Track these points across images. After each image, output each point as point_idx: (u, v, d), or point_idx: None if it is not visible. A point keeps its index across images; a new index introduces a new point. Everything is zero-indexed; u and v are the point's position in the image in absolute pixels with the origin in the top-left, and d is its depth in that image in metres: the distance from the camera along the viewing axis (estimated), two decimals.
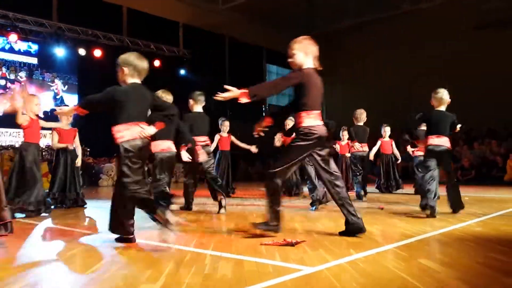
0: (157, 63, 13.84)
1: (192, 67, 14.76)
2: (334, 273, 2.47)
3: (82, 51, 12.33)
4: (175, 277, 2.47)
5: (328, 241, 3.45)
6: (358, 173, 7.45)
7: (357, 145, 7.44)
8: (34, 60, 12.38)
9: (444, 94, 5.17)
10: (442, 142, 5.05)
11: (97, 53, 12.50)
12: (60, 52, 12.13)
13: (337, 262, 2.72)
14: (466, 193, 8.59)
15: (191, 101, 5.65)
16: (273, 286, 2.26)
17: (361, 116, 7.68)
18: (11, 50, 11.89)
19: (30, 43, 12.19)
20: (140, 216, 5.24)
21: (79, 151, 6.30)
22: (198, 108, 5.62)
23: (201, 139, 5.51)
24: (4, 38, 11.44)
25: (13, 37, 11.18)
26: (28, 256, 3.14)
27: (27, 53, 12.24)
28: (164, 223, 3.11)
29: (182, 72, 14.68)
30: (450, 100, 5.16)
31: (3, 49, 11.75)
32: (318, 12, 16.90)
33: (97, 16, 13.09)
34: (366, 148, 7.62)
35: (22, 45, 12.06)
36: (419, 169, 5.48)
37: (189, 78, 14.53)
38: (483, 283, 2.33)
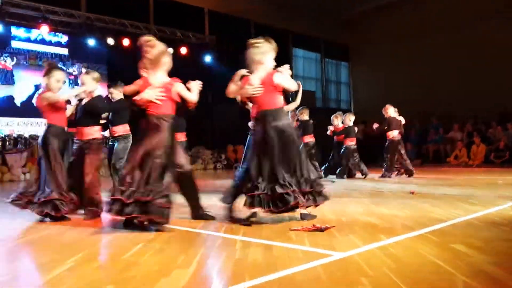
0: (183, 50, 13.91)
1: (218, 53, 14.75)
2: (364, 258, 2.47)
3: (110, 41, 12.50)
4: (207, 262, 2.53)
5: (358, 226, 3.45)
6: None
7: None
8: (65, 51, 12.64)
9: (392, 109, 8.77)
10: (396, 134, 8.52)
11: (126, 42, 12.65)
12: (89, 42, 12.34)
13: (367, 248, 2.72)
14: (501, 175, 8.37)
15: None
16: (303, 271, 2.29)
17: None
18: (43, 42, 12.18)
19: (60, 34, 12.45)
20: None
21: None
22: None
23: None
24: (37, 29, 11.71)
25: (44, 28, 11.42)
26: (66, 243, 3.27)
27: (58, 44, 12.51)
28: None
29: (208, 58, 14.71)
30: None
31: (35, 41, 12.06)
32: None
33: (124, 5, 13.21)
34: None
35: (53, 37, 12.34)
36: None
37: (215, 64, 14.56)
38: None
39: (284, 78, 3.77)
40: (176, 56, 14.26)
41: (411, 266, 2.32)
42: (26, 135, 11.42)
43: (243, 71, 3.97)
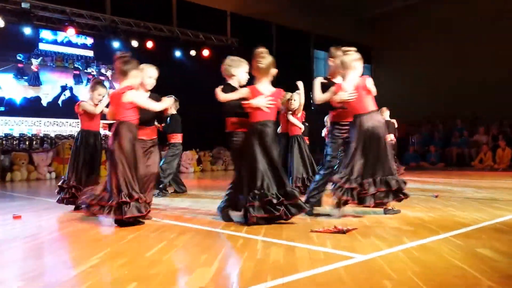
0: (206, 52, 14.01)
1: (240, 55, 14.76)
2: (387, 261, 2.45)
3: (135, 43, 12.69)
4: (229, 262, 2.54)
5: (380, 229, 3.41)
6: None
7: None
8: (90, 53, 12.91)
9: (388, 113, 8.60)
10: (393, 137, 8.49)
11: (149, 44, 12.83)
12: (114, 44, 12.56)
13: (390, 250, 2.69)
14: None
15: None
16: (325, 272, 2.28)
17: None
18: (69, 44, 12.47)
19: (86, 37, 12.71)
20: (191, 203, 5.42)
21: None
22: None
23: None
24: (63, 32, 11.98)
25: (70, 31, 11.68)
26: (90, 240, 3.33)
27: (83, 46, 12.78)
28: None
29: None
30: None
31: (61, 43, 12.35)
32: None
33: (148, 8, 13.40)
34: None
35: (79, 39, 12.62)
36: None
37: None
38: None
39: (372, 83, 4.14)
40: (198, 58, 14.48)
41: (435, 270, 2.29)
42: (52, 135, 11.69)
43: (321, 79, 4.33)
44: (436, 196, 5.50)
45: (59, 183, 5.04)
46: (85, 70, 12.80)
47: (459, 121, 15.08)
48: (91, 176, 5.00)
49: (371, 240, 2.99)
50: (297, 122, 6.28)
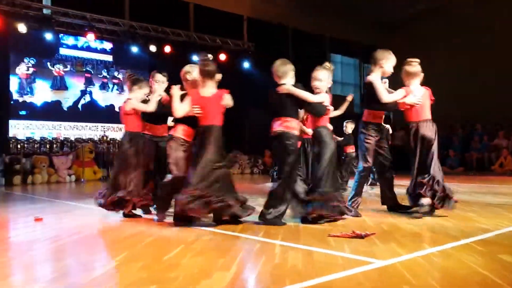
0: (223, 56, 14.09)
1: (256, 59, 14.85)
2: (407, 267, 2.42)
3: (153, 48, 12.83)
4: (247, 266, 2.55)
5: (399, 234, 3.38)
6: None
7: None
8: (109, 58, 13.11)
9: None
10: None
11: (167, 49, 12.97)
12: (133, 49, 12.72)
13: (410, 256, 2.66)
14: None
15: None
16: (344, 278, 2.26)
17: None
18: (89, 49, 12.68)
19: (104, 41, 12.91)
20: None
21: None
22: None
23: None
24: (83, 37, 12.20)
25: (90, 36, 11.88)
26: (109, 242, 3.37)
27: (103, 51, 12.99)
28: None
29: (247, 64, 14.83)
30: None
31: (81, 48, 12.57)
32: None
33: (165, 13, 13.56)
34: None
35: (99, 44, 12.82)
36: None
37: (254, 70, 14.65)
38: None
39: None
40: (215, 62, 14.45)
41: (456, 276, 2.26)
42: (72, 139, 11.88)
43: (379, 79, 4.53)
44: (456, 201, 5.39)
45: (106, 197, 4.40)
46: (99, 75, 12.99)
47: (479, 126, 14.80)
48: (149, 181, 4.61)
49: (390, 246, 2.96)
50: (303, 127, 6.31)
